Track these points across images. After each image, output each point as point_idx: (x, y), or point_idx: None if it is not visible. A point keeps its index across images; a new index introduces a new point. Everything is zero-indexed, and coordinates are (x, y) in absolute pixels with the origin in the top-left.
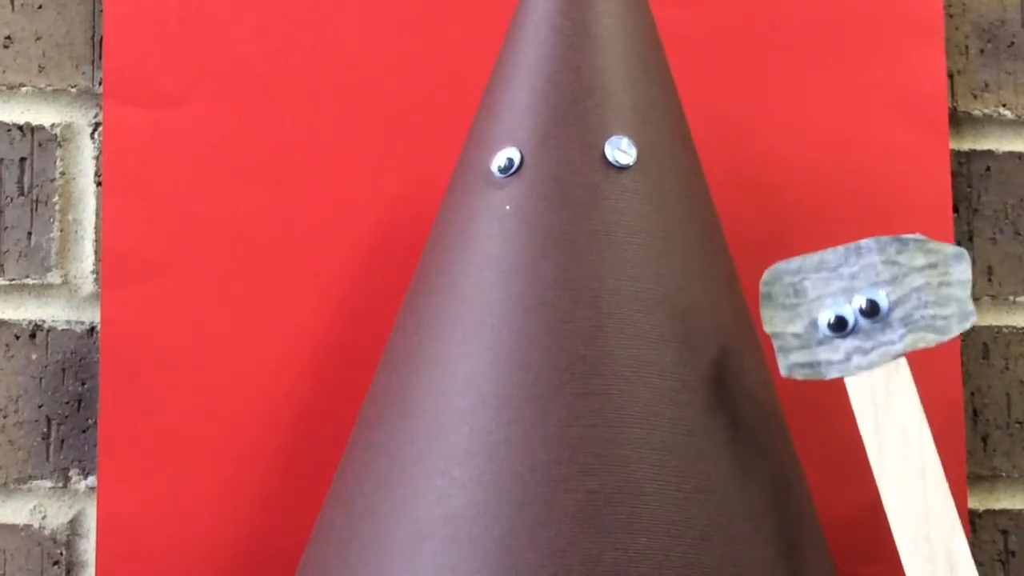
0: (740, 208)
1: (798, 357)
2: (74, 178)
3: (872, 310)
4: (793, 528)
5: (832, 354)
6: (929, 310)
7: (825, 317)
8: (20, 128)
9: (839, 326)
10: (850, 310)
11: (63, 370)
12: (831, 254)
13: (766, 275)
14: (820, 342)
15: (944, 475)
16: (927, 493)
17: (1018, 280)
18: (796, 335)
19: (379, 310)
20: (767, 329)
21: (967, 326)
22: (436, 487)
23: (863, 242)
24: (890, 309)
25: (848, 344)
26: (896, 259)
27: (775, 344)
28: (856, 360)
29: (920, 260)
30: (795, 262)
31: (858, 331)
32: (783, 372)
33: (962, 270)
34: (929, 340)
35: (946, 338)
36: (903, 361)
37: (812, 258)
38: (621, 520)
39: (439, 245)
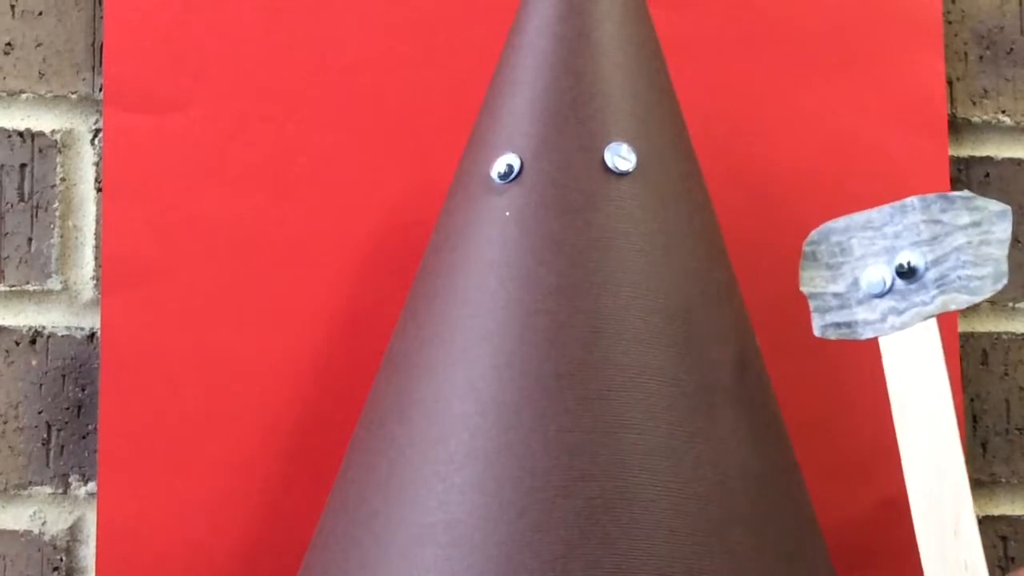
0: (740, 213)
1: (834, 317)
2: (74, 184)
3: (910, 271)
4: (793, 533)
5: (869, 314)
6: (966, 270)
7: (867, 277)
8: (20, 134)
9: (878, 287)
10: (889, 271)
11: (63, 376)
12: (877, 213)
13: (813, 234)
14: (860, 302)
15: (959, 441)
16: (941, 458)
17: (1017, 286)
18: (836, 294)
19: (379, 315)
20: (805, 289)
21: (999, 287)
22: (436, 492)
23: (908, 200)
24: (926, 269)
25: (885, 304)
26: (939, 217)
27: (811, 304)
28: (891, 320)
29: (964, 218)
30: (843, 221)
31: (895, 291)
32: (816, 332)
33: (1003, 228)
34: (960, 301)
35: (978, 299)
36: (933, 323)
37: (860, 217)
38: (621, 526)
39: (439, 251)
